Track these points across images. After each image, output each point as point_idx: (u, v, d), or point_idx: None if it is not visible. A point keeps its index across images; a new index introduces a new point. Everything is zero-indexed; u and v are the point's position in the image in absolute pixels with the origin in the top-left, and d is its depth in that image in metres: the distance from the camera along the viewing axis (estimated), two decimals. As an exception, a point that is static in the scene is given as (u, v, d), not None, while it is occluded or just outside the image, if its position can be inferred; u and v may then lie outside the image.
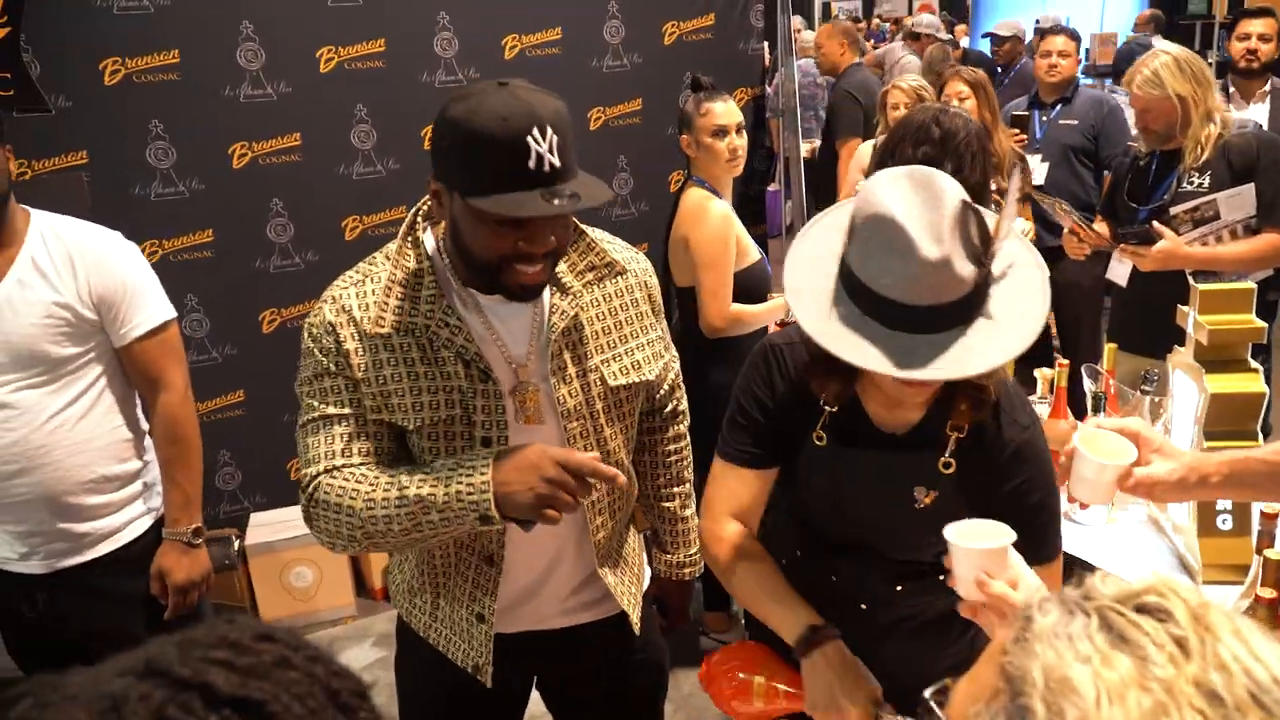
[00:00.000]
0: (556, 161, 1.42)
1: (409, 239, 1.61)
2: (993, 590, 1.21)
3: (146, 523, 2.28)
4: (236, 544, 3.78)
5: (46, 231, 2.10)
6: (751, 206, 4.59)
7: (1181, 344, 2.25)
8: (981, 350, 1.33)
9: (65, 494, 2.12)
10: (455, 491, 1.47)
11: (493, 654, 1.72)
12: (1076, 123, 4.41)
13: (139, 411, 2.28)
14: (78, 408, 2.13)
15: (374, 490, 1.53)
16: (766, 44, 4.77)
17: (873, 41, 10.50)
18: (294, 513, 3.90)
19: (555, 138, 1.42)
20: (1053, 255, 3.16)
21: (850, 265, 1.40)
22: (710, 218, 3.01)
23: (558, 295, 1.66)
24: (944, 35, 8.28)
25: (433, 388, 1.59)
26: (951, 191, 1.35)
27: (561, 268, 1.65)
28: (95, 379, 2.15)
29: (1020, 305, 1.37)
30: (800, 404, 1.62)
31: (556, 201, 1.42)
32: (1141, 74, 3.11)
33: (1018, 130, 4.26)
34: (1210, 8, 9.88)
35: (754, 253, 3.13)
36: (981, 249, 1.34)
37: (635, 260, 1.78)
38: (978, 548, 1.26)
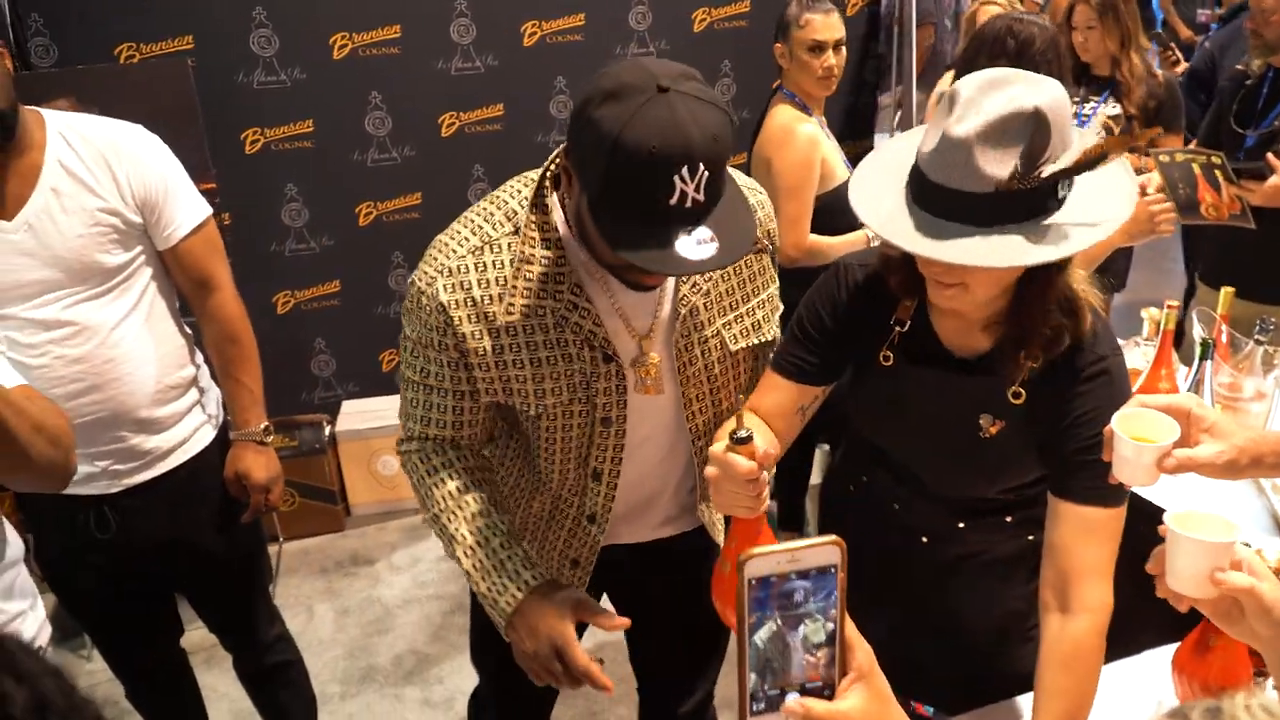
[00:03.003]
0: (701, 198, 1.26)
1: (536, 209, 1.48)
2: (1235, 583, 1.09)
3: (210, 433, 2.21)
4: (327, 429, 3.90)
5: (69, 133, 1.94)
6: (859, 119, 4.41)
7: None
8: (970, 250, 1.26)
9: (136, 407, 2.03)
10: (483, 592, 1.54)
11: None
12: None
13: (180, 315, 2.19)
14: (137, 315, 2.03)
15: (441, 512, 1.58)
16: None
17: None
18: (384, 402, 4.01)
19: (706, 174, 1.25)
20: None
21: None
22: (796, 141, 2.88)
23: None
24: None
25: (555, 373, 1.52)
26: (1040, 97, 1.25)
27: None
28: (146, 285, 2.05)
29: (1060, 241, 1.27)
30: (868, 323, 1.57)
31: (692, 253, 1.27)
32: None
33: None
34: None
35: (841, 173, 2.99)
36: (1028, 162, 1.24)
37: (761, 207, 1.63)
38: (1210, 541, 1.13)
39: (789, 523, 3.56)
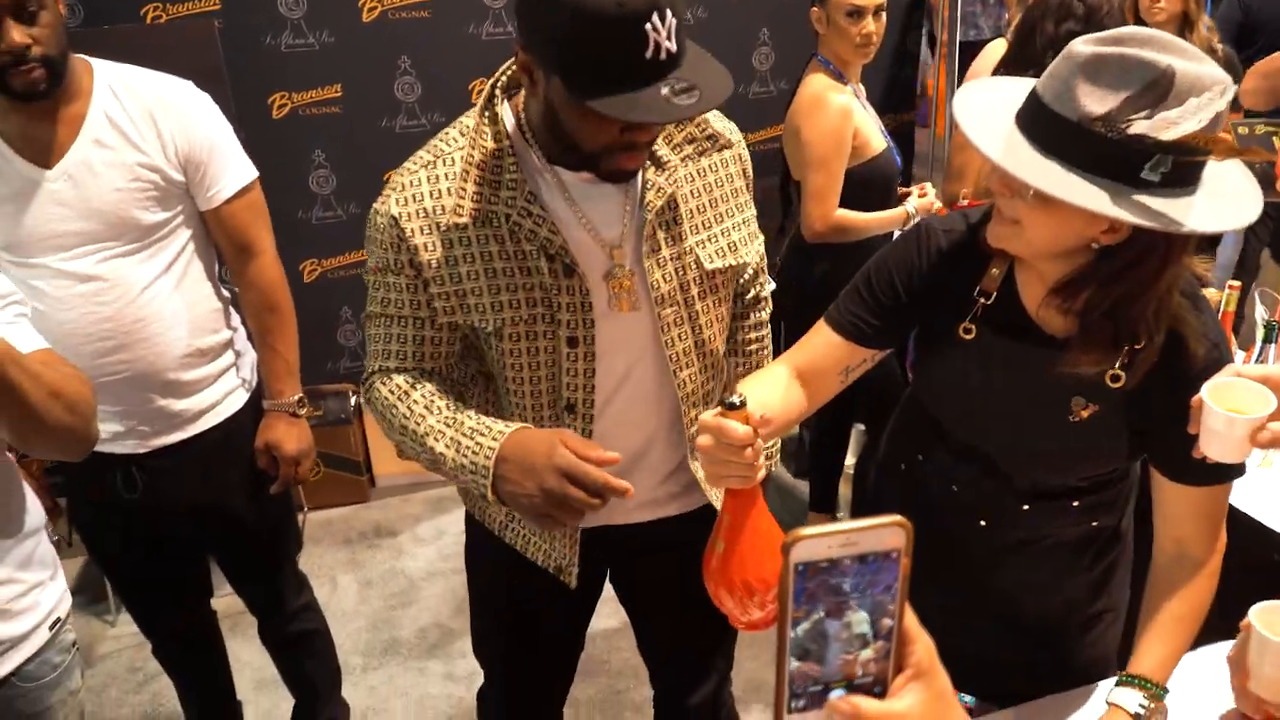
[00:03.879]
0: (673, 47, 1.25)
1: (486, 114, 1.46)
2: None
3: (243, 397, 2.18)
4: (354, 400, 3.86)
5: (116, 84, 1.90)
6: (901, 91, 4.30)
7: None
8: (1045, 174, 1.18)
9: (164, 370, 2.00)
10: (461, 464, 1.41)
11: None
12: None
13: (218, 278, 2.16)
14: (170, 277, 1.98)
15: (408, 418, 1.48)
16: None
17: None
18: (410, 374, 3.95)
19: (674, 20, 1.24)
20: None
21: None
22: (827, 111, 2.77)
23: (652, 170, 1.51)
24: None
25: (512, 285, 1.47)
26: (1175, 57, 1.15)
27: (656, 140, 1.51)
28: (184, 245, 2.01)
29: (1154, 204, 1.17)
30: (949, 292, 1.47)
31: (679, 100, 1.25)
32: None
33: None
34: None
35: (876, 144, 2.88)
36: (1128, 111, 1.15)
37: (733, 131, 1.63)
38: None
39: (821, 505, 3.48)
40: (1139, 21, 3.32)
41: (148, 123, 1.90)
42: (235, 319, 2.19)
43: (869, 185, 2.88)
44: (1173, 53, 1.17)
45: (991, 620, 1.60)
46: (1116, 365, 1.37)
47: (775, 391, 1.49)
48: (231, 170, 2.02)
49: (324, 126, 3.63)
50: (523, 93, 1.46)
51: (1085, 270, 1.31)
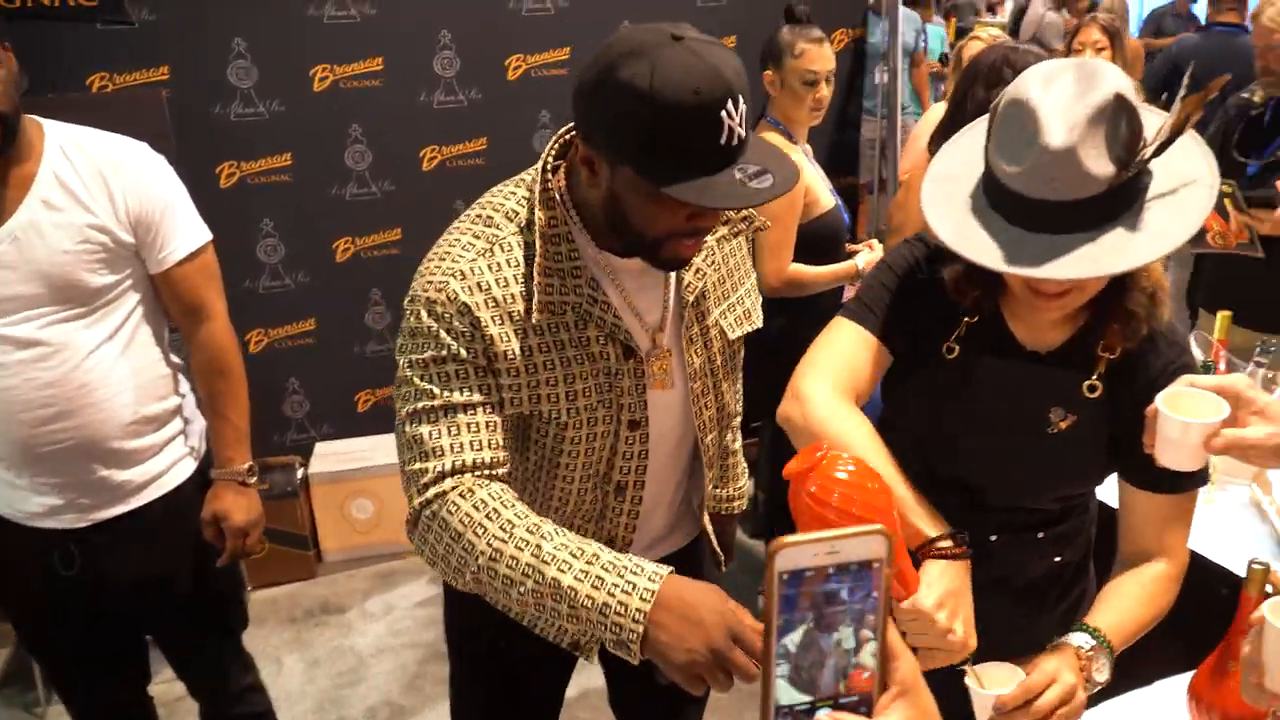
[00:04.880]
0: (744, 133, 1.26)
1: (546, 200, 1.42)
2: None
3: (190, 466, 2.10)
4: (300, 472, 3.79)
5: (68, 144, 1.86)
6: (845, 153, 4.40)
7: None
8: (1096, 258, 1.21)
9: (108, 438, 1.92)
10: (603, 603, 1.22)
11: None
12: None
13: (167, 343, 2.10)
14: (117, 342, 1.92)
15: (505, 540, 1.29)
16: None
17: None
18: (360, 443, 3.91)
19: (744, 107, 1.25)
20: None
21: (987, 155, 1.30)
22: None
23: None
24: None
25: (583, 373, 1.43)
26: (1111, 83, 1.21)
27: None
28: (132, 309, 1.95)
29: (1169, 224, 1.24)
30: (936, 310, 1.49)
31: (755, 184, 1.25)
32: (1274, 5, 2.84)
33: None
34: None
35: (825, 201, 2.94)
36: (1127, 150, 1.21)
37: (756, 212, 1.64)
38: None
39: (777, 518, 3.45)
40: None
41: (98, 183, 1.86)
42: (184, 385, 2.13)
43: (819, 241, 2.92)
44: (1080, 78, 1.23)
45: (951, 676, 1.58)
46: (1094, 376, 1.42)
47: (881, 447, 1.44)
48: (184, 232, 1.98)
49: (273, 195, 3.62)
50: (561, 173, 1.44)
51: (1110, 284, 1.36)
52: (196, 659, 2.28)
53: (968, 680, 1.32)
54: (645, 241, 1.37)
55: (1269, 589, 1.51)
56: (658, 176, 1.25)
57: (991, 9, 9.49)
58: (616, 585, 1.23)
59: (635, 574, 1.24)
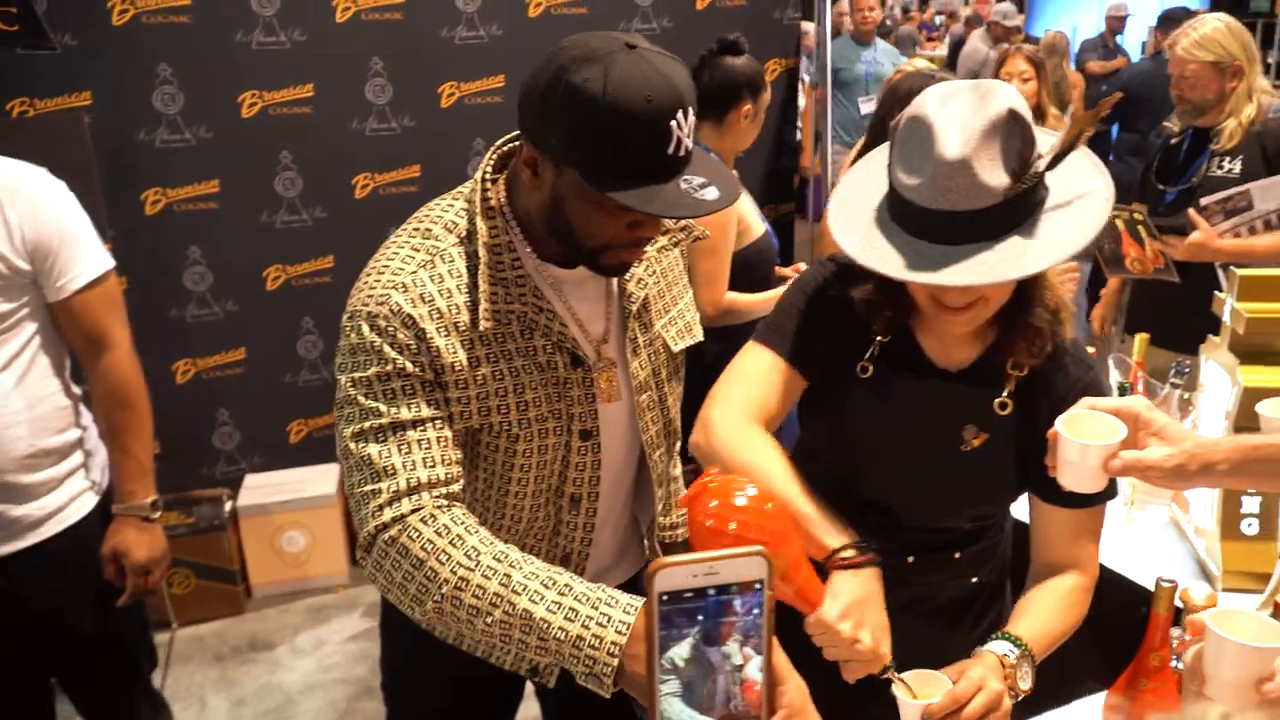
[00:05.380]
0: (691, 145, 1.28)
1: (486, 211, 1.40)
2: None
3: (91, 500, 2.03)
4: (228, 505, 3.70)
5: None
6: (781, 182, 4.43)
7: (1216, 335, 2.07)
8: (993, 265, 1.25)
9: (2, 472, 1.86)
10: (577, 635, 1.19)
11: None
12: None
13: (68, 374, 2.04)
14: (11, 373, 1.86)
15: (471, 568, 1.25)
16: (813, 25, 4.63)
17: (925, 32, 10.27)
18: (291, 475, 3.84)
19: (692, 119, 1.26)
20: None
21: (890, 171, 1.34)
22: None
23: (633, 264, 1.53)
24: (1011, 23, 8.08)
25: (533, 382, 1.42)
26: (1003, 99, 1.26)
27: None
28: (29, 339, 1.89)
29: (1065, 233, 1.28)
30: (849, 330, 1.51)
31: (701, 194, 1.26)
32: (1189, 35, 2.93)
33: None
34: (1274, 6, 9.56)
35: (757, 228, 2.97)
36: (1020, 163, 1.25)
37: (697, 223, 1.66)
38: (1258, 647, 1.06)
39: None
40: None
41: None
42: (86, 417, 2.06)
43: (751, 268, 2.94)
44: (975, 96, 1.27)
45: (885, 683, 1.58)
46: (1005, 393, 1.45)
47: (787, 463, 1.45)
48: (83, 260, 1.92)
49: (200, 222, 3.56)
50: (501, 184, 1.44)
51: (1012, 300, 1.40)
52: (102, 701, 2.19)
53: (895, 689, 1.32)
54: (585, 249, 1.37)
55: (1178, 605, 1.53)
56: (604, 182, 1.25)
57: (931, 40, 9.71)
58: (590, 618, 1.20)
59: (610, 606, 1.20)
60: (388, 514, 1.30)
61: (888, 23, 9.72)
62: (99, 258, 1.96)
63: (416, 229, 1.43)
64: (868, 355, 1.50)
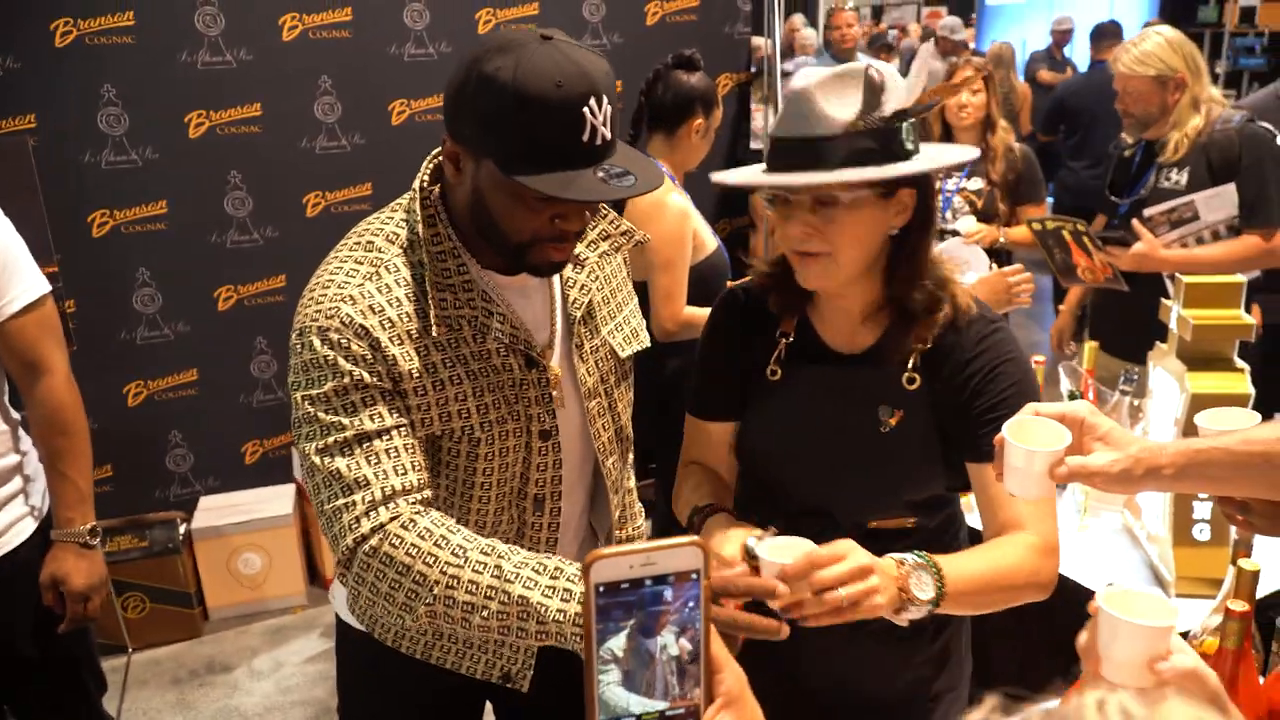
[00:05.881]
0: (609, 134, 1.28)
1: (428, 219, 1.40)
2: (1181, 667, 1.03)
3: (30, 525, 2.00)
4: (182, 528, 3.65)
5: None
6: (736, 197, 4.45)
7: (1164, 342, 2.11)
8: (824, 178, 1.33)
9: None
10: (575, 613, 1.20)
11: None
12: None
13: (6, 399, 2.02)
14: None
15: (461, 565, 1.26)
16: (766, 40, 4.66)
17: (874, 48, 10.35)
18: (246, 496, 3.80)
19: (609, 107, 1.27)
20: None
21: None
22: (667, 215, 2.83)
23: (572, 269, 1.52)
24: (958, 37, 8.19)
25: (491, 385, 1.41)
26: (864, 65, 1.37)
27: None
28: None
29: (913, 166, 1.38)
30: (755, 340, 1.56)
31: (614, 183, 1.26)
32: (1130, 52, 2.97)
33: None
34: (1220, 16, 9.75)
35: (710, 242, 2.98)
36: (866, 108, 1.33)
37: (639, 228, 1.67)
38: (1150, 625, 1.04)
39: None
40: (945, 124, 3.58)
41: None
42: (25, 442, 2.03)
43: (706, 282, 2.94)
44: (859, 64, 1.39)
45: (841, 704, 1.58)
46: (909, 367, 1.47)
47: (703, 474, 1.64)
48: (19, 284, 1.89)
49: (148, 244, 3.51)
50: (437, 193, 1.43)
51: (889, 274, 1.46)
52: None
53: (755, 548, 1.28)
54: (511, 245, 1.36)
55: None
56: (518, 169, 1.25)
57: (887, 51, 9.77)
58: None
59: None
60: (366, 525, 1.28)
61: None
62: (35, 282, 1.93)
63: (358, 242, 1.42)
64: (774, 359, 1.54)
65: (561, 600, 1.22)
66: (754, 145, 4.51)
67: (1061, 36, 8.33)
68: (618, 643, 0.77)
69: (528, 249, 1.36)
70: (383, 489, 1.30)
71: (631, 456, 1.77)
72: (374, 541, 1.28)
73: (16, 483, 1.98)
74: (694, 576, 0.76)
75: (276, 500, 3.79)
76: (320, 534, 3.80)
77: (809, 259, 1.41)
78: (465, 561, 1.26)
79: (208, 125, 3.50)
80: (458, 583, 1.25)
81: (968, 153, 1.48)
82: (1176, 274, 2.08)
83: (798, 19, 8.04)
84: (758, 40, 4.51)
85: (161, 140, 3.45)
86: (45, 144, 3.26)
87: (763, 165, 1.44)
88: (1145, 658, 1.06)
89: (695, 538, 0.75)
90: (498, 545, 1.29)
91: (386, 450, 1.32)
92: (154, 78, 3.39)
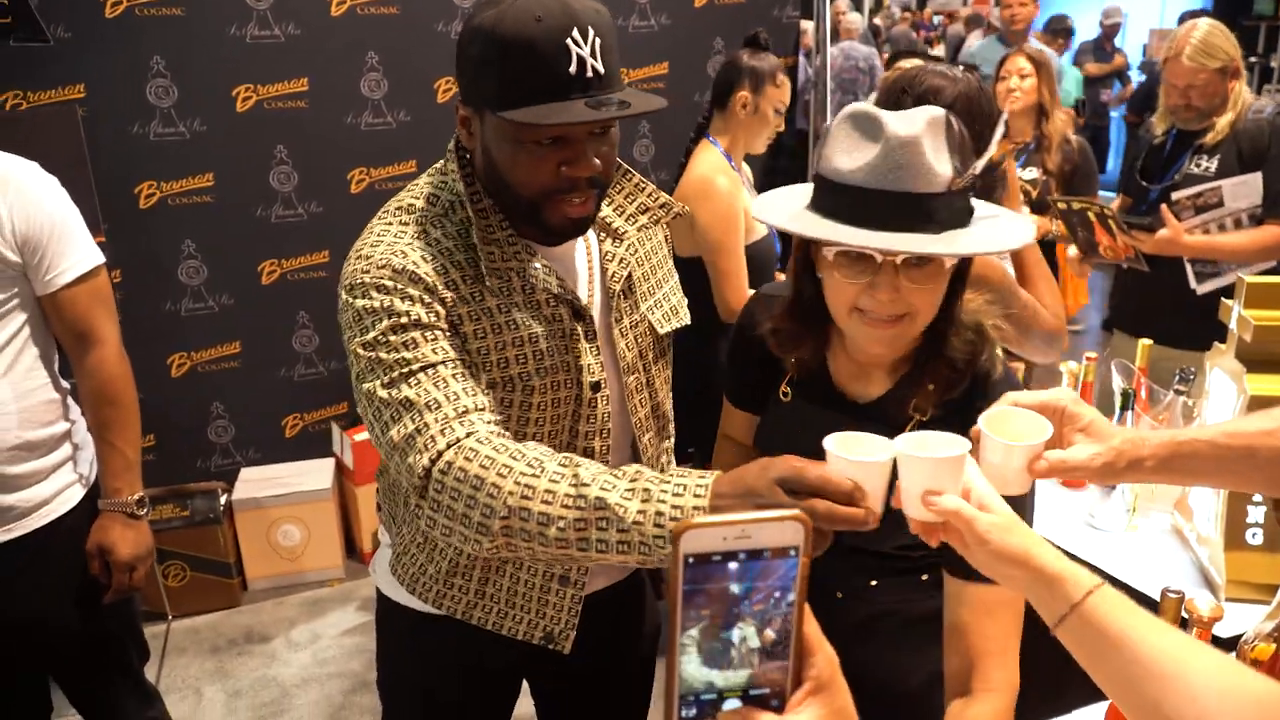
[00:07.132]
0: (600, 67, 1.27)
1: (466, 178, 1.41)
2: (944, 506, 1.01)
3: (79, 493, 2.02)
4: (223, 498, 3.69)
5: None
6: (778, 182, 4.40)
7: (1222, 340, 2.07)
8: (932, 244, 1.20)
9: None
10: (656, 512, 1.14)
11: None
12: None
13: (56, 368, 2.04)
14: None
15: (537, 474, 1.20)
16: (811, 24, 4.60)
17: (922, 33, 10.21)
18: (287, 469, 3.82)
19: (598, 40, 1.26)
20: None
21: (820, 168, 1.28)
22: (717, 195, 2.81)
23: (610, 242, 1.51)
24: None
25: (546, 334, 1.40)
26: (933, 109, 1.25)
27: (608, 211, 1.53)
28: (17, 331, 1.89)
29: (1001, 235, 1.28)
30: (772, 357, 1.52)
31: (604, 109, 1.26)
32: (1191, 44, 2.92)
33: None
34: (1277, 9, 9.53)
35: (761, 227, 2.95)
36: (960, 159, 1.23)
37: (680, 202, 1.66)
38: (926, 457, 1.04)
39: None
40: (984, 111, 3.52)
41: None
42: (74, 411, 2.05)
43: (753, 266, 2.92)
44: (903, 113, 1.25)
45: (857, 695, 1.56)
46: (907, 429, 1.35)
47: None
48: (73, 254, 1.91)
49: (195, 216, 3.53)
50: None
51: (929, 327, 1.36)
52: (91, 693, 2.18)
53: (824, 442, 1.13)
54: (525, 202, 1.36)
55: (1184, 616, 1.53)
56: (507, 106, 1.26)
57: (930, 43, 9.66)
58: (666, 491, 1.15)
59: (682, 478, 1.17)
60: (441, 441, 1.25)
61: (880, 23, 9.65)
62: (89, 253, 1.95)
63: (400, 208, 1.42)
64: (786, 380, 1.51)
65: (642, 501, 1.15)
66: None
67: (1111, 29, 8.19)
68: (707, 617, 0.74)
69: (541, 205, 1.35)
70: (456, 408, 1.27)
71: (670, 442, 1.76)
72: (449, 456, 1.23)
73: (65, 450, 2.00)
74: (792, 554, 0.72)
75: (316, 473, 3.82)
76: (358, 509, 3.83)
77: (885, 324, 1.30)
78: (542, 471, 1.20)
79: (255, 99, 3.50)
80: (533, 492, 1.19)
81: (1021, 220, 1.35)
82: (1239, 275, 2.04)
83: (843, 2, 7.94)
84: (806, 24, 4.46)
85: (209, 113, 3.47)
86: (94, 114, 3.28)
87: (806, 197, 1.32)
88: (921, 492, 1.04)
89: (798, 511, 0.70)
90: (574, 456, 1.24)
91: (454, 375, 1.30)
92: (203, 50, 3.40)
